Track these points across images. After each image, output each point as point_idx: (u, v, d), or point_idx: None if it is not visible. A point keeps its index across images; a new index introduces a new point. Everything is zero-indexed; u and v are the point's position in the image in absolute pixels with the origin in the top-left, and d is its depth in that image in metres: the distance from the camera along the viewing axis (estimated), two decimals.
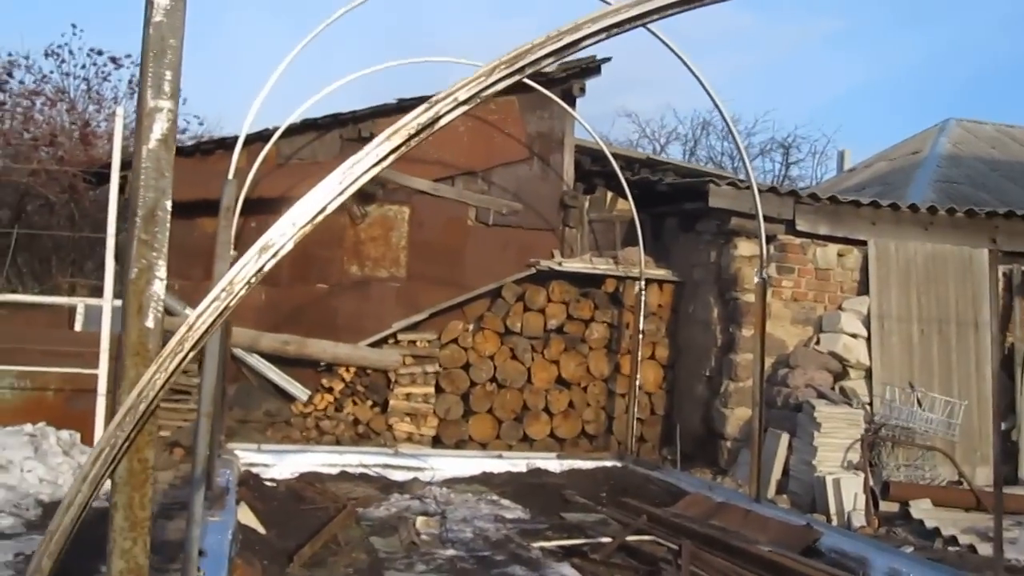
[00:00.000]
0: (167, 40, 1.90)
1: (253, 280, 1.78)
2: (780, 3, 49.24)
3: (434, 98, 1.85)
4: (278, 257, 1.80)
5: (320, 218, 1.83)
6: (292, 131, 10.46)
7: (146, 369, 1.75)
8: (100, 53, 17.77)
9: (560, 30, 1.93)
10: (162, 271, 1.92)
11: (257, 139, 9.53)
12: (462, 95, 1.86)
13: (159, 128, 1.91)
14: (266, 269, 1.80)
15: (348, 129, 11.37)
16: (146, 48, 1.91)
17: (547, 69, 10.90)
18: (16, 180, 15.17)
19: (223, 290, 1.75)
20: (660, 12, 2.00)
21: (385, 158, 1.83)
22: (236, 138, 7.67)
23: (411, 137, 1.84)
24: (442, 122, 1.87)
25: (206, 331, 1.74)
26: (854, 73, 49.16)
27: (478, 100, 1.88)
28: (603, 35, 1.97)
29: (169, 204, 1.94)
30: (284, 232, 1.80)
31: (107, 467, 1.72)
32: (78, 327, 10.99)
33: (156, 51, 1.90)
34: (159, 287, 1.92)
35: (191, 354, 1.75)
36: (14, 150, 15.52)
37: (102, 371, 8.36)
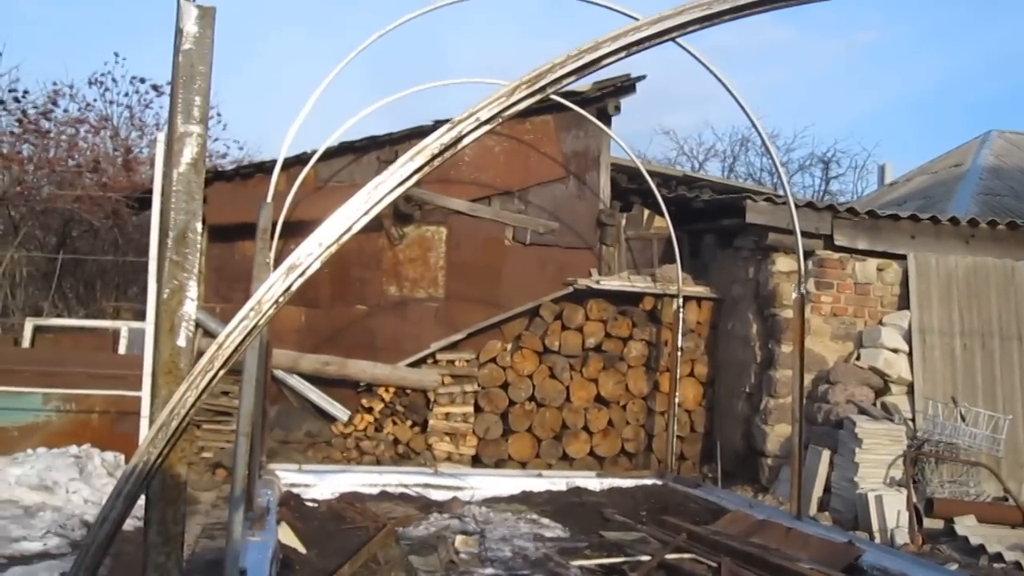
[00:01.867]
0: (196, 67, 1.95)
1: (281, 299, 1.82)
2: (815, 16, 49.09)
3: (456, 118, 1.89)
4: (305, 276, 1.83)
5: (346, 238, 1.86)
6: (330, 154, 10.56)
7: (178, 387, 1.79)
8: (143, 81, 18.05)
9: (580, 49, 1.95)
10: (193, 291, 1.97)
11: (296, 162, 9.63)
12: (484, 115, 1.89)
13: (189, 152, 1.96)
14: (294, 288, 1.84)
15: (385, 151, 11.45)
16: (176, 75, 1.96)
17: (581, 88, 10.98)
18: (61, 206, 15.42)
19: (252, 309, 1.79)
20: (681, 29, 2.02)
21: (409, 178, 1.86)
22: (275, 162, 7.75)
23: (434, 157, 1.87)
24: (465, 142, 1.90)
25: (236, 349, 1.78)
26: (893, 86, 48.81)
27: (500, 120, 1.91)
28: (623, 53, 1.99)
29: (199, 226, 1.99)
30: (311, 252, 1.84)
31: (141, 483, 1.76)
32: (122, 350, 11.17)
33: (186, 77, 1.95)
34: (190, 307, 1.96)
35: (221, 372, 1.79)
36: (59, 177, 15.78)
37: (145, 393, 8.45)
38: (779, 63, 47.75)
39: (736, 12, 1.99)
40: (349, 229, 1.85)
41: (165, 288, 1.94)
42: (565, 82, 1.95)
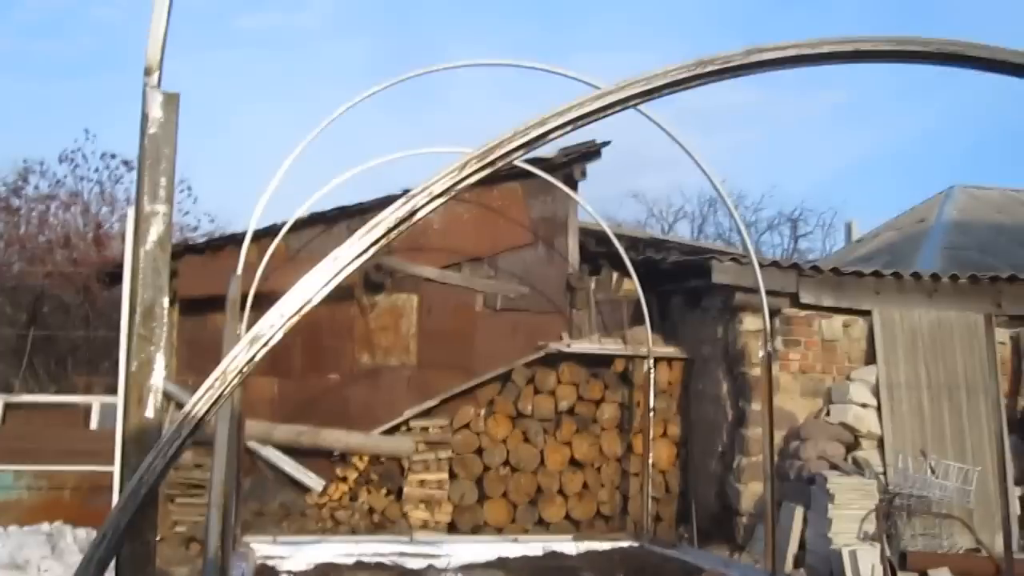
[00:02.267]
0: (162, 150, 2.05)
1: (245, 369, 1.89)
2: (779, 79, 49.83)
3: (410, 192, 1.98)
4: (268, 347, 1.91)
5: (307, 309, 1.95)
6: (300, 225, 10.62)
7: (146, 456, 1.85)
8: (113, 157, 18.18)
9: (527, 124, 2.06)
10: (160, 364, 2.04)
11: (266, 234, 9.69)
12: (436, 188, 1.98)
13: (155, 231, 2.05)
14: (257, 358, 1.91)
15: (355, 221, 11.51)
16: (142, 157, 2.05)
17: (548, 155, 11.16)
18: (32, 282, 15.43)
19: (217, 379, 1.86)
20: (621, 104, 2.13)
21: (366, 251, 1.95)
22: (245, 234, 7.82)
23: (390, 230, 1.96)
24: (419, 215, 1.99)
25: (202, 418, 1.85)
26: (858, 144, 49.63)
27: (452, 194, 2.00)
28: (569, 127, 2.10)
29: (166, 301, 2.06)
30: (273, 323, 1.91)
31: (111, 549, 1.81)
32: (94, 425, 11.11)
33: (152, 160, 2.05)
34: (157, 379, 2.03)
35: (189, 439, 1.86)
36: (30, 253, 15.82)
37: (117, 468, 8.42)
38: (747, 124, 48.51)
39: (673, 86, 2.11)
40: (309, 301, 1.93)
41: (133, 361, 2.01)
42: (513, 156, 2.05)
